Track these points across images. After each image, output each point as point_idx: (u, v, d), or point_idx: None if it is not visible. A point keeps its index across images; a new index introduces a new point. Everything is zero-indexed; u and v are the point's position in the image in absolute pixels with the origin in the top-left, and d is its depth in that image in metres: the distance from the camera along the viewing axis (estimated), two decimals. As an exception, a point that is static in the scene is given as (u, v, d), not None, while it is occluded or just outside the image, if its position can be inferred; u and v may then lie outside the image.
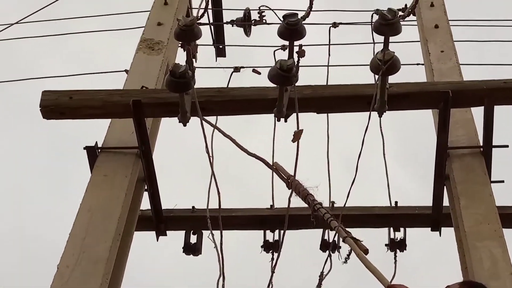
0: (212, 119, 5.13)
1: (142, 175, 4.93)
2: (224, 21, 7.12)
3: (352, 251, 4.13)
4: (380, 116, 4.66)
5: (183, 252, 5.31)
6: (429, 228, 5.19)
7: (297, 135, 4.24)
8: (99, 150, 4.86)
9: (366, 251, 4.04)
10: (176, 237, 5.34)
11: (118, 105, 4.81)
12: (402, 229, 5.25)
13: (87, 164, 4.84)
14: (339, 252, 5.13)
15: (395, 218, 5.23)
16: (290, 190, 4.73)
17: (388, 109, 4.61)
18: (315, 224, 4.63)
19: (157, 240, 5.27)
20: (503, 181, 4.80)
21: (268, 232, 5.35)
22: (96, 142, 4.88)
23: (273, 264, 4.72)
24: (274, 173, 4.74)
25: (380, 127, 5.33)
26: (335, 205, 5.19)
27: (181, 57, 4.59)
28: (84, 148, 4.85)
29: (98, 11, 7.20)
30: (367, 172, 5.82)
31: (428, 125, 5.36)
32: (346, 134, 6.72)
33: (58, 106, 4.80)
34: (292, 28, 4.34)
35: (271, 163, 5.37)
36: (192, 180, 7.36)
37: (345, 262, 4.17)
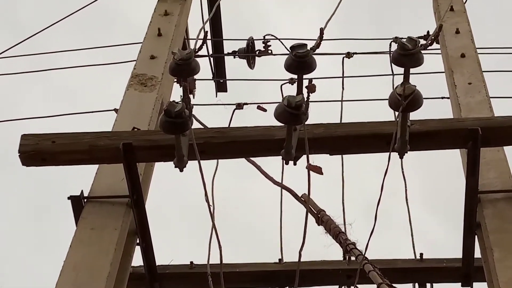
0: (212, 162, 5.15)
1: (134, 227, 4.92)
2: (225, 52, 7.17)
3: None
4: (401, 157, 4.65)
5: (181, 318, 5.28)
6: (459, 284, 5.16)
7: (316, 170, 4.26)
8: (85, 200, 4.85)
9: None
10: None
11: (106, 150, 4.81)
12: (428, 285, 5.23)
13: (72, 216, 4.83)
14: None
15: (420, 272, 5.22)
16: (300, 246, 4.72)
17: (410, 149, 4.60)
18: (348, 262, 4.58)
19: (152, 303, 5.24)
20: (542, 228, 4.77)
21: (277, 289, 5.34)
22: (82, 191, 4.87)
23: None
24: (304, 209, 4.67)
25: (402, 169, 5.35)
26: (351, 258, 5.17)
27: (176, 94, 4.62)
28: (69, 198, 4.84)
29: (85, 44, 7.27)
30: (389, 220, 5.81)
31: (457, 166, 5.35)
32: (365, 178, 6.72)
33: (39, 151, 4.80)
34: (300, 60, 4.33)
35: (281, 218, 5.40)
36: (190, 232, 7.37)
37: None
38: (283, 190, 5.48)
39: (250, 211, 8.50)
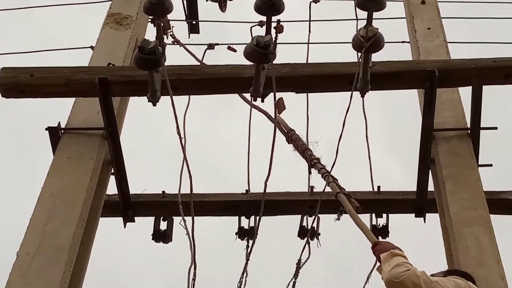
0: (184, 98, 5.13)
1: (109, 157, 4.92)
2: (198, -6, 7.08)
3: (344, 208, 4.18)
4: (362, 96, 4.67)
5: (152, 239, 5.31)
6: (413, 214, 5.24)
7: (280, 106, 4.26)
8: (62, 131, 4.84)
9: (358, 209, 4.09)
10: (145, 224, 5.34)
11: (82, 83, 4.78)
12: (384, 215, 5.30)
13: (50, 146, 4.81)
14: (317, 239, 5.18)
15: (377, 203, 5.29)
16: (266, 176, 4.75)
17: (371, 88, 4.62)
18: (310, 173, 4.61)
19: (125, 227, 5.28)
20: (491, 165, 4.84)
21: (243, 218, 5.37)
22: (59, 122, 4.85)
23: (248, 251, 4.76)
24: (275, 127, 4.70)
25: (363, 108, 5.37)
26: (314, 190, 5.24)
27: (152, 35, 4.59)
28: (46, 129, 4.81)
29: (63, -16, 7.13)
30: (350, 156, 5.85)
31: (415, 106, 5.39)
32: (328, 119, 6.72)
33: (18, 83, 4.77)
34: (270, 3, 4.32)
35: (248, 148, 5.42)
36: (163, 164, 7.36)
37: (338, 219, 4.21)
38: (251, 129, 5.51)
39: (221, 147, 8.52)
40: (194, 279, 4.36)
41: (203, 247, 4.52)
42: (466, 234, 4.31)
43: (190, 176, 4.79)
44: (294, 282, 4.50)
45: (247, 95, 4.85)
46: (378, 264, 3.61)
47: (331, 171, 4.43)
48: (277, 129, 4.47)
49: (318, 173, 4.50)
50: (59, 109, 5.21)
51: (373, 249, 3.70)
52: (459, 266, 4.13)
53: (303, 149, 4.70)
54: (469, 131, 4.87)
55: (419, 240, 6.38)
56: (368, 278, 4.73)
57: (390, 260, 3.50)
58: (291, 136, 4.80)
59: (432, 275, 3.60)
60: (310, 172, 4.64)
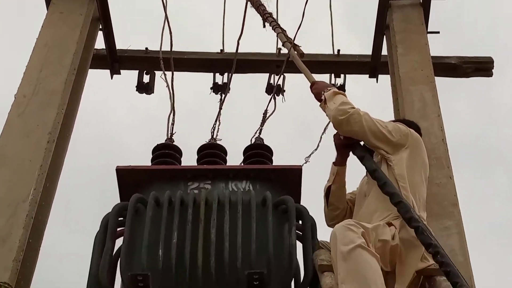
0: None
1: (97, 14, 5.02)
2: None
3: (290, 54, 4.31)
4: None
5: (136, 90, 5.48)
6: (367, 75, 5.44)
7: None
8: (55, -12, 4.89)
9: (302, 55, 4.24)
10: (129, 79, 5.49)
11: None
12: (342, 76, 5.47)
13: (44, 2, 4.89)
14: (283, 95, 5.38)
15: (336, 64, 5.45)
16: (239, 36, 4.89)
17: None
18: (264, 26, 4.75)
19: (112, 78, 5.43)
20: (438, 32, 5.00)
21: (217, 75, 5.52)
22: (52, -21, 4.89)
23: (221, 104, 4.93)
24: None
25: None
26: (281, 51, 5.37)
27: None
28: (40, -15, 4.87)
29: None
30: (314, 22, 5.95)
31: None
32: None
33: None
34: None
35: (224, 11, 5.50)
36: (147, 23, 7.43)
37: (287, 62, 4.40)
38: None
39: (199, 10, 8.53)
40: (173, 124, 4.55)
41: (181, 100, 4.68)
42: (412, 91, 4.52)
43: (171, 35, 4.96)
44: (261, 130, 4.68)
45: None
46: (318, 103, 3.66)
47: (295, 38, 4.51)
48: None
49: (269, 25, 4.61)
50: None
51: (311, 88, 3.79)
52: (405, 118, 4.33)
53: (257, 4, 4.79)
54: (421, 0, 5.00)
55: (372, 99, 6.59)
56: (325, 129, 4.90)
57: (334, 98, 3.57)
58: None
59: (382, 123, 3.75)
60: (264, 26, 4.71)
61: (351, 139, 3.57)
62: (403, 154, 3.52)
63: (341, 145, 3.62)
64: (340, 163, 3.67)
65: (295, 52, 4.26)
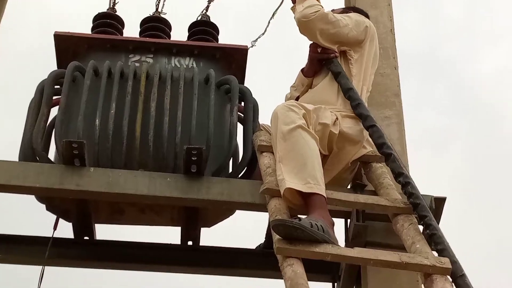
0: None
1: None
2: None
3: None
4: None
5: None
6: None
7: None
8: None
9: None
10: None
11: None
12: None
13: None
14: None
15: None
16: None
17: None
18: None
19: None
20: None
21: None
22: None
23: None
24: None
25: None
26: None
27: None
28: None
29: None
30: None
31: None
32: None
33: None
34: None
35: None
36: None
37: None
38: None
39: None
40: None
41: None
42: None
43: None
44: (207, 7, 4.49)
45: None
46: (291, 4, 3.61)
47: None
48: None
49: None
50: None
51: None
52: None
53: None
54: None
55: None
56: (273, 14, 4.75)
57: (304, 1, 3.52)
58: None
59: (332, 10, 3.68)
60: None
61: (327, 53, 3.52)
62: (362, 50, 3.54)
63: (316, 58, 3.56)
64: (311, 75, 3.61)
65: None
